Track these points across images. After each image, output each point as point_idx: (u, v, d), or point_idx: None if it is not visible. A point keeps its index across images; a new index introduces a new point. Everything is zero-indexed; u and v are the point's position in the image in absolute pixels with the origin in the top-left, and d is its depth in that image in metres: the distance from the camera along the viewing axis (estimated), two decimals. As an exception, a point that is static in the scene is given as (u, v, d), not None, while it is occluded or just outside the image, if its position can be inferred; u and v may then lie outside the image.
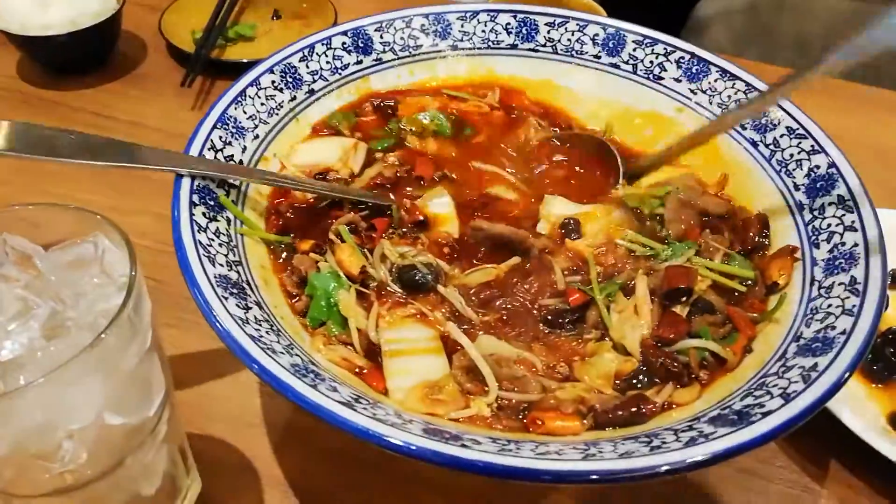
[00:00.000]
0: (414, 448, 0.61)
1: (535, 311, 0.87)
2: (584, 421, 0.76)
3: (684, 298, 0.87)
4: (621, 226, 0.97)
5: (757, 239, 0.94)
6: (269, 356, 0.67)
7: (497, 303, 0.88)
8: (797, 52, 2.24)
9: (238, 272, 0.79)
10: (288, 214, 0.95)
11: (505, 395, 0.78)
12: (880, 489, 0.92)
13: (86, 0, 1.46)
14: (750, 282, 0.90)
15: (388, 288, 0.87)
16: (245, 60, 1.53)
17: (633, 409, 0.75)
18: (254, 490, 0.90)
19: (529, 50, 1.17)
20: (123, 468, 0.69)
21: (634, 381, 0.81)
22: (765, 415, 0.65)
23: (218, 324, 0.69)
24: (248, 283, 0.78)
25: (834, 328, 0.75)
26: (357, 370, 0.80)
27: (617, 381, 0.81)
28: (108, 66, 1.56)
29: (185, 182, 0.83)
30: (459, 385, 0.78)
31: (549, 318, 0.86)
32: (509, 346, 0.82)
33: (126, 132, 1.41)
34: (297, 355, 0.71)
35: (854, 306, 0.76)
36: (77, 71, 1.53)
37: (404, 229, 0.94)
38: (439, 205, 0.99)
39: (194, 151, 0.87)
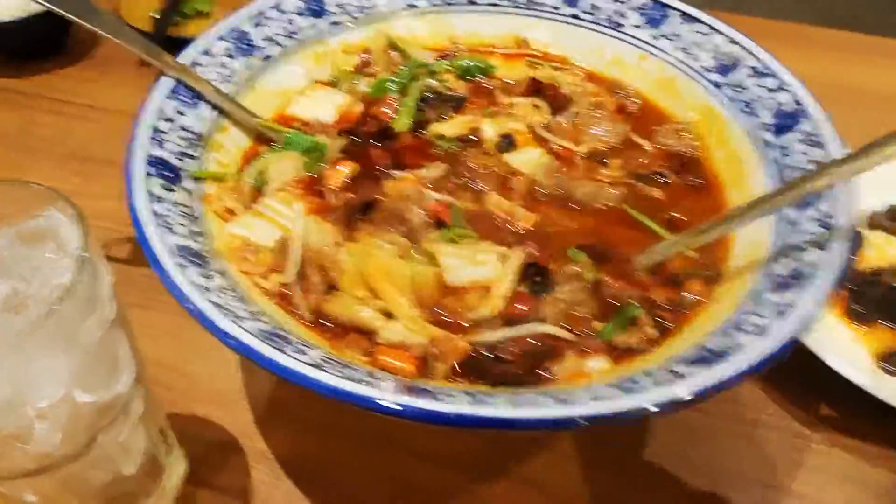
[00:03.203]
0: (384, 403, 0.60)
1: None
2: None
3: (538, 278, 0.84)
4: None
5: None
6: (233, 322, 0.65)
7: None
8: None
9: (200, 242, 0.77)
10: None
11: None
12: (869, 430, 0.93)
13: (38, -16, 1.42)
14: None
15: None
16: (203, 36, 1.50)
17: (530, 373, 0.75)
18: (240, 466, 0.89)
19: (489, 5, 1.15)
20: (97, 447, 0.68)
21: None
22: (741, 350, 0.65)
23: (177, 289, 0.67)
24: (211, 253, 0.77)
25: (805, 262, 0.74)
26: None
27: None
28: (65, 52, 1.53)
29: (139, 154, 0.81)
30: (271, 256, 0.82)
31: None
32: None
33: (85, 115, 1.38)
34: (263, 321, 0.69)
35: (825, 239, 0.75)
36: (34, 57, 1.49)
37: None
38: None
39: (148, 122, 0.85)
